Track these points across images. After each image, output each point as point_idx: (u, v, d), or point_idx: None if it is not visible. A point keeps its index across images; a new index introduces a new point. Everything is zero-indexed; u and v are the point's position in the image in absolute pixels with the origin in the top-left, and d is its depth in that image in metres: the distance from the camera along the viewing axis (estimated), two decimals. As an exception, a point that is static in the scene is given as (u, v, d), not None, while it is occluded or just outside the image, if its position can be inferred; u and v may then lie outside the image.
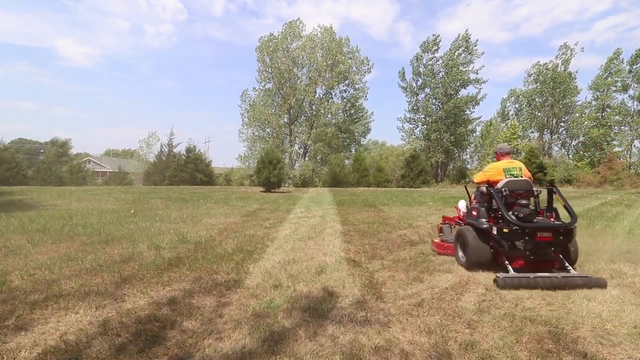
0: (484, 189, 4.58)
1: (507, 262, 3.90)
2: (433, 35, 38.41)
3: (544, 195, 4.47)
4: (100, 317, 2.72)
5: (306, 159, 36.33)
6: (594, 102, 40.45)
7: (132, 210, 9.26)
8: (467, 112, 38.98)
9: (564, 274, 3.73)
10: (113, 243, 5.27)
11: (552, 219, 4.24)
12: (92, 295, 3.15)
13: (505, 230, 3.92)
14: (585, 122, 40.20)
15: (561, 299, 3.19)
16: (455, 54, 37.38)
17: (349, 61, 36.82)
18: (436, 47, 38.02)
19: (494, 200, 4.24)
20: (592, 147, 39.44)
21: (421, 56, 38.77)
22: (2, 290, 3.24)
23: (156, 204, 11.35)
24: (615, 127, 39.46)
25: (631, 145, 38.55)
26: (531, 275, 3.64)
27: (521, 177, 4.43)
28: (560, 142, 43.60)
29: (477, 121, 40.65)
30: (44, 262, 4.17)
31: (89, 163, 48.20)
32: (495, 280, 3.63)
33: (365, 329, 2.56)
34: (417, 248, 5.28)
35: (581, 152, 40.35)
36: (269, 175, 18.40)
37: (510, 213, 4.02)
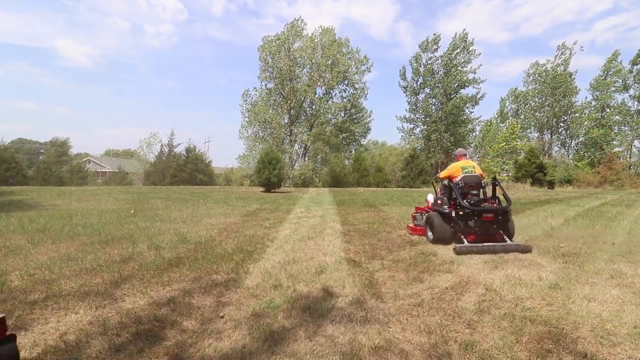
0: (446, 182, 5.88)
1: (462, 236, 5.15)
2: (433, 34, 38.39)
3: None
4: (100, 317, 2.72)
5: (306, 159, 36.32)
6: (593, 102, 40.46)
7: (132, 210, 9.26)
8: (467, 111, 39.00)
9: (502, 244, 5.03)
10: (113, 243, 5.27)
11: (494, 204, 5.55)
12: (92, 295, 3.15)
13: (460, 212, 5.24)
14: (585, 122, 40.21)
15: (561, 299, 3.19)
16: (454, 53, 37.36)
17: (349, 61, 36.84)
18: (436, 47, 37.99)
19: (453, 192, 5.51)
20: (592, 147, 39.43)
21: (420, 56, 38.77)
22: (2, 290, 3.24)
23: (156, 204, 11.35)
24: (615, 127, 39.46)
25: (631, 145, 38.57)
26: (479, 244, 4.92)
27: (474, 173, 5.74)
28: (560, 142, 43.62)
29: (477, 121, 40.70)
30: (44, 262, 4.16)
31: (89, 163, 48.16)
32: (454, 249, 4.84)
33: (365, 329, 2.56)
34: (417, 248, 5.28)
35: (581, 152, 40.34)
36: (269, 175, 18.38)
37: (465, 200, 5.34)
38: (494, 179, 5.81)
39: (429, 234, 5.69)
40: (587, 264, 4.39)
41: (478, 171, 5.85)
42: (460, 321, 2.72)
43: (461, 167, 5.79)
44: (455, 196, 5.41)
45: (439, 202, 5.81)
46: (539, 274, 3.95)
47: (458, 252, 4.74)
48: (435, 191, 6.50)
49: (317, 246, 5.33)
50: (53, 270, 3.88)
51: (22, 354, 2.19)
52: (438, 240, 5.39)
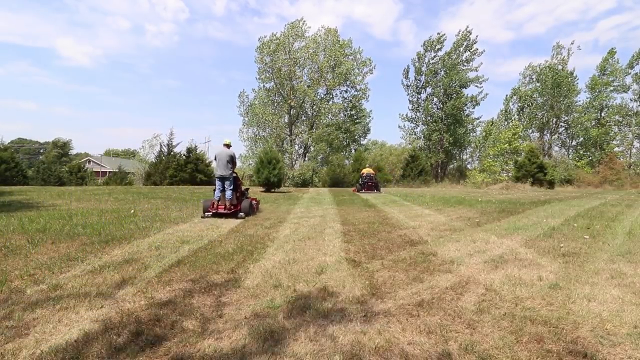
0: (360, 176, 21.12)
1: (362, 190, 19.39)
2: (438, 33, 38.32)
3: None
4: (100, 317, 2.72)
5: (306, 159, 36.30)
6: (593, 102, 40.39)
7: (132, 210, 9.26)
8: (467, 112, 38.96)
9: (373, 192, 18.95)
10: (113, 243, 5.27)
11: (374, 181, 20.13)
12: (92, 295, 3.16)
13: (362, 184, 19.77)
14: (585, 122, 40.18)
15: (561, 299, 3.19)
16: (456, 52, 37.29)
17: (351, 63, 36.79)
18: (440, 46, 37.94)
19: (361, 178, 20.49)
20: (592, 147, 39.40)
21: (423, 55, 38.72)
22: (2, 290, 3.24)
23: (156, 204, 11.34)
24: (615, 127, 39.43)
25: (631, 145, 38.56)
26: (367, 192, 18.91)
27: (371, 173, 20.38)
28: (560, 142, 43.58)
29: (477, 121, 40.64)
30: (44, 262, 4.17)
31: (89, 163, 48.12)
32: (358, 192, 19.00)
33: (365, 329, 2.56)
34: (417, 248, 5.28)
35: (581, 152, 40.31)
36: (268, 175, 18.38)
37: (364, 180, 19.81)
38: (375, 176, 20.90)
39: (356, 191, 19.43)
40: (587, 264, 4.39)
41: (371, 172, 20.51)
42: (460, 321, 2.72)
43: (365, 170, 20.72)
44: (360, 179, 20.21)
45: (358, 182, 20.39)
46: (539, 274, 3.95)
47: (360, 193, 18.46)
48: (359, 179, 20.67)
49: (317, 246, 5.33)
50: (53, 270, 3.89)
51: (23, 353, 2.19)
52: (358, 191, 19.23)
